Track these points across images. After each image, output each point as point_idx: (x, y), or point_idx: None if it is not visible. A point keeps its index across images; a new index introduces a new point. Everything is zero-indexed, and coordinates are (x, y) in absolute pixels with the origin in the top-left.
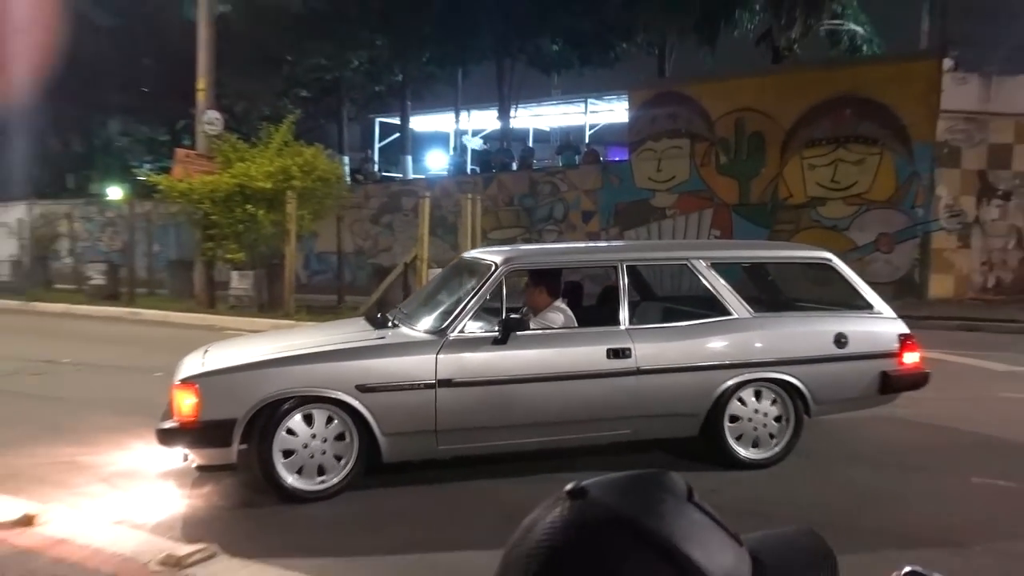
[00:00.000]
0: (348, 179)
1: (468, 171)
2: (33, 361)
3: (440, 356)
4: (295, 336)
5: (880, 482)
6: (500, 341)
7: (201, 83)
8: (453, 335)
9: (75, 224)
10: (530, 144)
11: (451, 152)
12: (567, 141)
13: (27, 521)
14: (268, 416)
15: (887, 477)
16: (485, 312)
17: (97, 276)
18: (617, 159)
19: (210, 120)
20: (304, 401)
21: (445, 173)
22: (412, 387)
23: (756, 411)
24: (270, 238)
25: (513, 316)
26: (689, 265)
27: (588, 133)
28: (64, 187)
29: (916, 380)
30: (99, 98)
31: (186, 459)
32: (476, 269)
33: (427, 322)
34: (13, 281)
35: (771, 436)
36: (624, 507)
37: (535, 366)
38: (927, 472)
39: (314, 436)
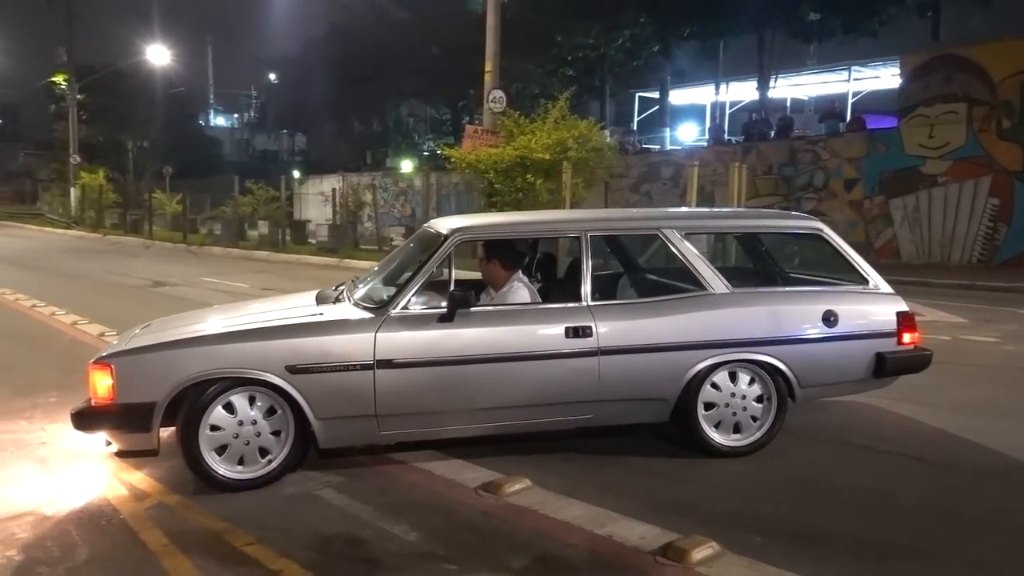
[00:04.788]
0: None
1: (726, 140)
2: None
3: (379, 335)
4: (242, 312)
5: None
6: (446, 318)
7: (488, 65)
8: (395, 312)
9: (376, 193)
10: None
11: (709, 123)
12: (831, 109)
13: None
14: (193, 399)
15: None
16: (439, 287)
17: (398, 238)
18: (882, 127)
19: (495, 99)
20: (233, 383)
21: (704, 144)
22: (348, 368)
23: (733, 395)
24: (546, 205)
25: (459, 291)
26: (661, 235)
27: (851, 101)
28: (364, 162)
29: (916, 362)
30: (394, 84)
31: (108, 444)
32: (427, 240)
33: (370, 297)
34: (329, 241)
35: (751, 422)
36: None
37: (486, 346)
38: None
39: (244, 422)
